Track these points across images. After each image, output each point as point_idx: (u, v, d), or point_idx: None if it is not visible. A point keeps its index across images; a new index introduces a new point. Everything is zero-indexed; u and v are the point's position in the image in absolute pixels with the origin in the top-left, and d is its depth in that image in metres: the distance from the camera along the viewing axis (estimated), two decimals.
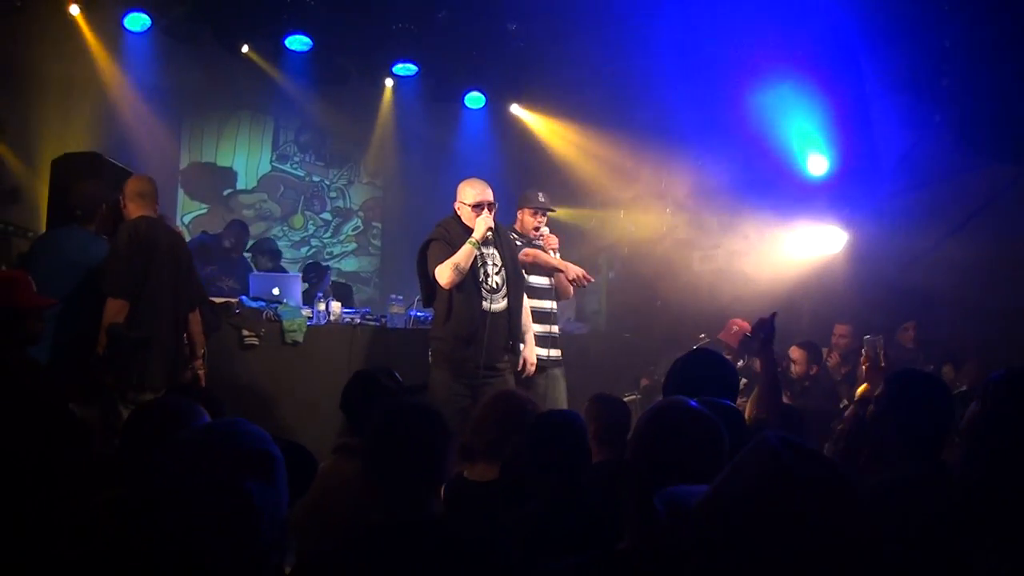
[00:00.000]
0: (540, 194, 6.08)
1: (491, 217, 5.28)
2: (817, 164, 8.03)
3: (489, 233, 5.27)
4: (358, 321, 6.93)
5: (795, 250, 7.93)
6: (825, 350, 6.92)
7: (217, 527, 1.57)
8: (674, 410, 2.62)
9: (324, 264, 9.62)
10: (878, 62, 7.17)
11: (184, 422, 2.40)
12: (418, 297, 7.40)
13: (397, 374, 3.78)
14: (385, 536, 2.32)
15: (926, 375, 3.31)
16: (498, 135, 11.00)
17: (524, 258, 5.85)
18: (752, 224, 7.95)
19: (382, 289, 10.80)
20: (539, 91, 9.99)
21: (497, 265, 5.41)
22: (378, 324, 6.98)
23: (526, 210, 6.10)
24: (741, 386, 7.06)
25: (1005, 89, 6.22)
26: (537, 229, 6.06)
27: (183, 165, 10.42)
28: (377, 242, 11.63)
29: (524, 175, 10.65)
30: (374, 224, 11.62)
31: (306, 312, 6.74)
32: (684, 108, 8.20)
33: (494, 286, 5.36)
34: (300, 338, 6.47)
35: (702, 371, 3.26)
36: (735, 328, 6.90)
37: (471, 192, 5.37)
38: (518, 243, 5.89)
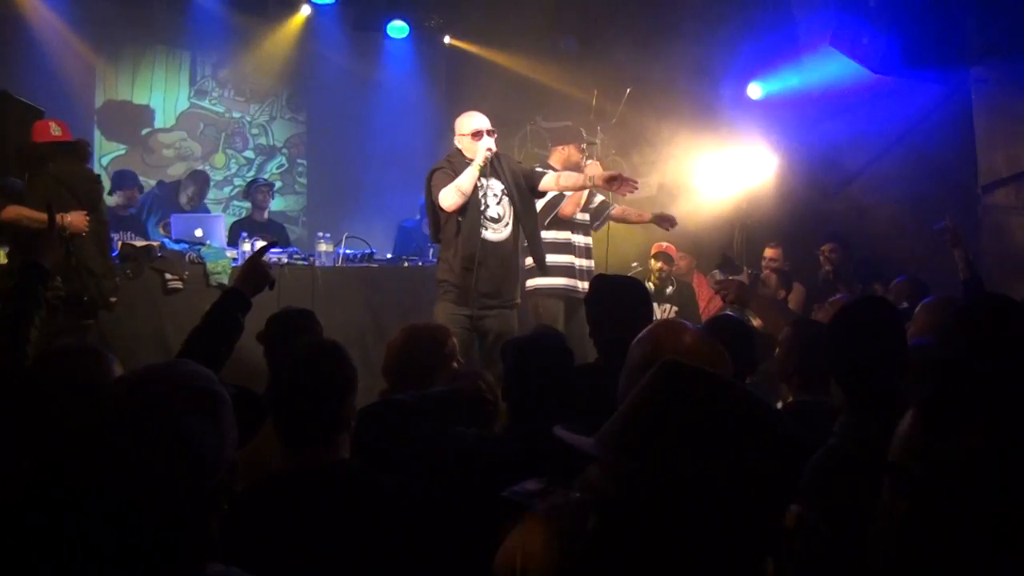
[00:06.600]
0: (583, 130, 6.60)
1: (492, 142, 5.26)
2: (754, 90, 8.16)
3: (489, 155, 5.21)
4: (285, 261, 6.75)
5: (726, 176, 7.91)
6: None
7: (156, 466, 1.47)
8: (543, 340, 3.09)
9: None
10: None
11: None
12: (347, 234, 7.38)
13: (315, 314, 3.65)
14: (289, 483, 2.24)
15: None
16: (423, 65, 10.77)
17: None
18: (683, 150, 7.91)
19: (310, 228, 10.57)
20: (462, 18, 9.75)
21: (498, 195, 5.38)
22: (306, 263, 6.82)
23: (573, 145, 6.38)
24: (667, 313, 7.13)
25: (934, 10, 6.23)
26: (578, 163, 6.28)
27: (99, 104, 9.96)
28: (303, 180, 11.36)
29: (451, 106, 10.48)
30: (299, 162, 11.33)
31: (231, 253, 6.54)
32: (616, 31, 8.09)
33: (495, 216, 5.35)
34: (225, 280, 6.26)
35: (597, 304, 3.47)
36: (663, 248, 7.11)
37: (467, 122, 5.41)
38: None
